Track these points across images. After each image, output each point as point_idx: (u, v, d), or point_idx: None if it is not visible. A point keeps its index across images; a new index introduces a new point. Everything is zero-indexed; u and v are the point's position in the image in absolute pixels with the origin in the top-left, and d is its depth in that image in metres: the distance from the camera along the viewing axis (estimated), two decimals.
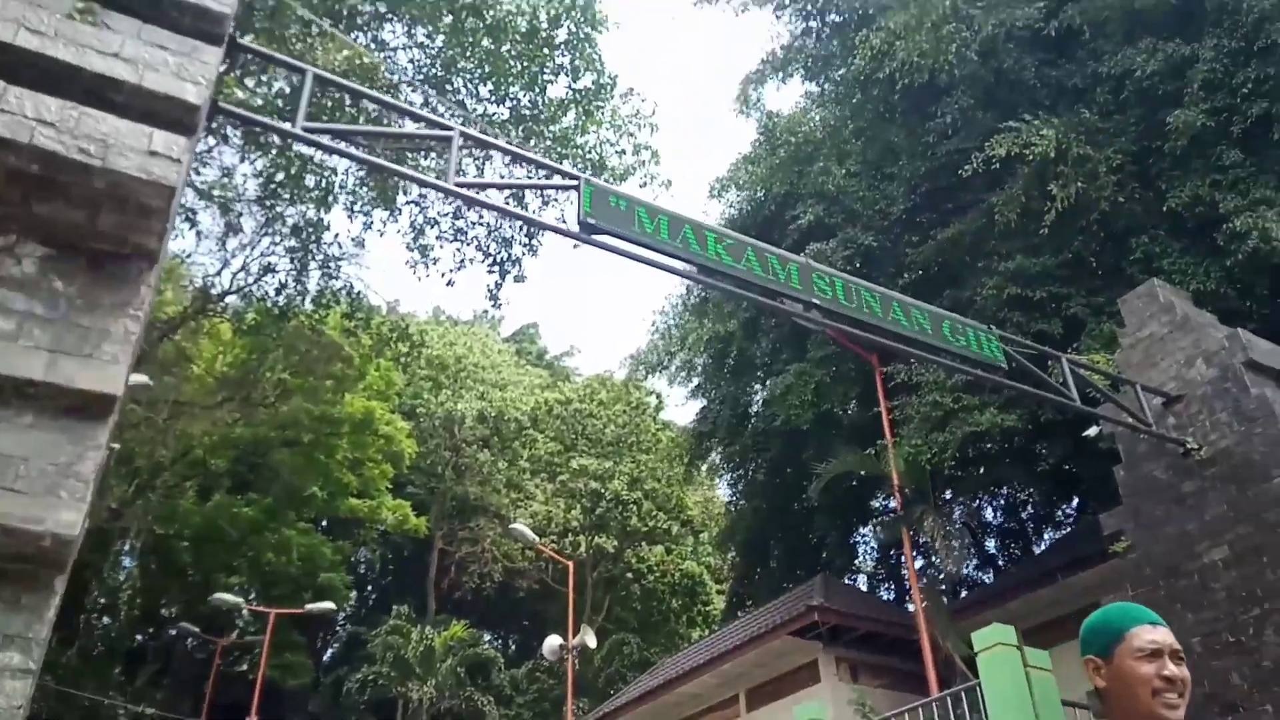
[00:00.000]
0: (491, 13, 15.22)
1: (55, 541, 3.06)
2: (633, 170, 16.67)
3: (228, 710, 26.53)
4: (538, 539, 21.87)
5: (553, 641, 18.65)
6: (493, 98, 15.96)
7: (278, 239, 18.87)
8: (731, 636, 18.03)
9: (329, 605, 25.83)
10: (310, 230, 17.69)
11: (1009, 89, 15.70)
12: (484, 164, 15.04)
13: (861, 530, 24.44)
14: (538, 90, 15.98)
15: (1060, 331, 12.67)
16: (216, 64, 4.40)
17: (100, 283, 3.46)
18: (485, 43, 15.22)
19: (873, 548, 25.04)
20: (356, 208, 17.16)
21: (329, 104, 13.20)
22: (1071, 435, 12.66)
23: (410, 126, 10.46)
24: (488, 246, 16.84)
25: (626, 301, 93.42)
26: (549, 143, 15.64)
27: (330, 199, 16.88)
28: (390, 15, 15.89)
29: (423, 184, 10.96)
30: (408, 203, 17.11)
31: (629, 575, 33.30)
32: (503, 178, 15.10)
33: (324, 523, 34.75)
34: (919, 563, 17.58)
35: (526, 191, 15.02)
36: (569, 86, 16.14)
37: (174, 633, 31.17)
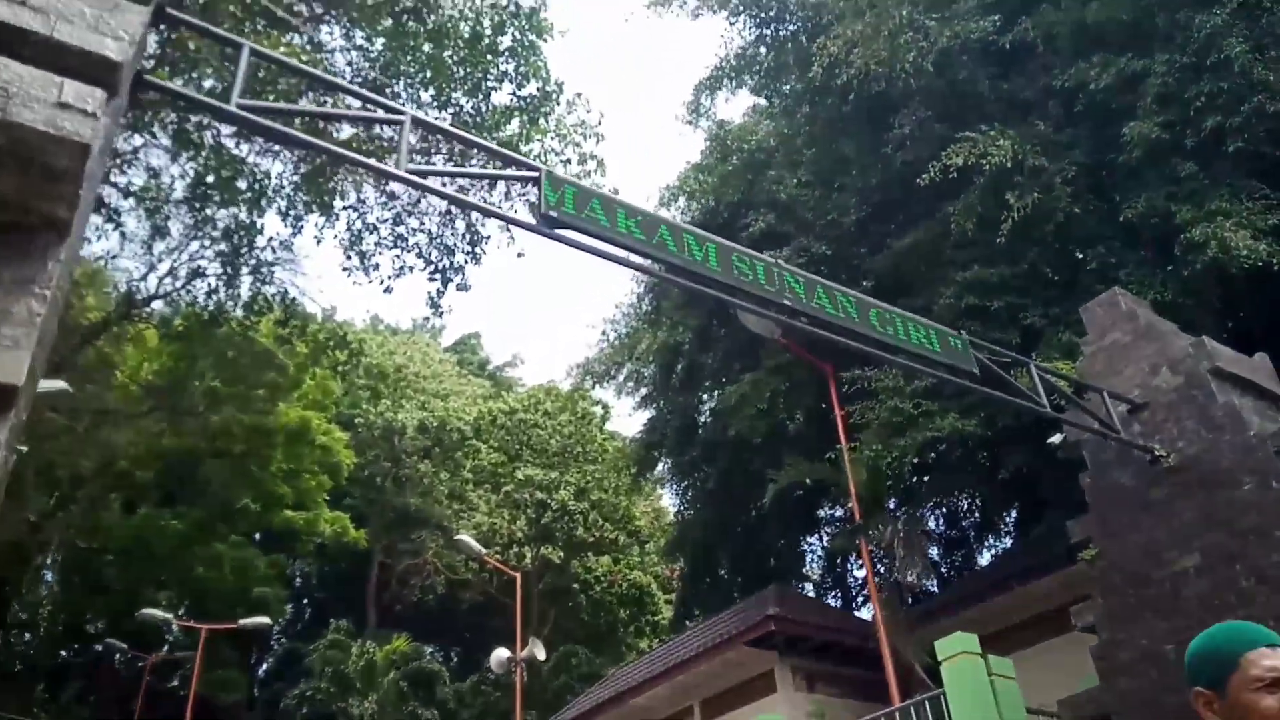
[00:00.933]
0: (433, 17, 14.80)
1: None
2: (579, 180, 16.31)
3: None
4: (484, 550, 21.33)
5: (500, 654, 18.13)
6: (434, 103, 15.49)
7: (207, 242, 18.12)
8: (685, 646, 17.73)
9: (264, 620, 25.15)
10: (242, 234, 16.95)
11: (963, 101, 15.73)
12: (431, 161, 14.53)
13: (809, 539, 24.45)
14: (481, 96, 15.58)
15: (1018, 340, 12.61)
16: (141, 24, 3.91)
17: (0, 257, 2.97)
18: (427, 47, 14.77)
19: (820, 556, 25.08)
20: (291, 211, 16.47)
21: (271, 96, 12.56)
22: (1030, 442, 12.62)
23: (357, 109, 9.96)
24: (429, 254, 16.37)
25: (570, 313, 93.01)
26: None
27: (264, 202, 16.16)
28: (327, 16, 15.33)
29: (371, 170, 10.45)
30: (345, 208, 16.54)
31: (576, 586, 32.81)
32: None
33: (258, 536, 33.68)
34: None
35: (477, 193, 14.54)
36: (513, 93, 15.78)
37: (99, 649, 30.21)
